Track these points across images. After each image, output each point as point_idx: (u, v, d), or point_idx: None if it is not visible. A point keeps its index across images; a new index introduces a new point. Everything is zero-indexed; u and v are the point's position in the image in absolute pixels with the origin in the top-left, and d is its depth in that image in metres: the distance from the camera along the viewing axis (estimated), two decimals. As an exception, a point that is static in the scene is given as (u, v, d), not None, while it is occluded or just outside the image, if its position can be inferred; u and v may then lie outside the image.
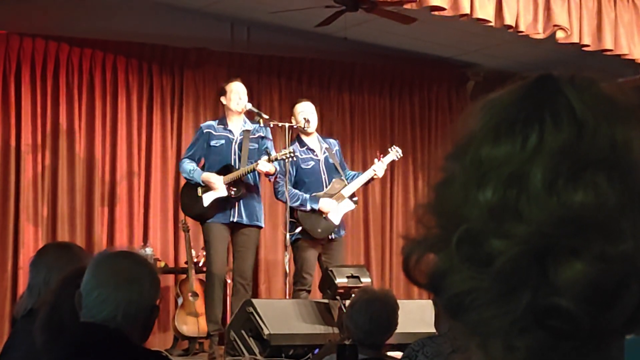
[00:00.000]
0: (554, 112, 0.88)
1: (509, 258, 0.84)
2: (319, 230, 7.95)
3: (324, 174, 8.12)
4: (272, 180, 7.97)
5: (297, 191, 7.96)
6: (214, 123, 8.02)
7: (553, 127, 0.87)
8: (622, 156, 0.86)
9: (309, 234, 7.94)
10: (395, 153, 8.40)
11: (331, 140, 8.46)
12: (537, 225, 0.84)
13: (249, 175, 7.74)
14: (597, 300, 0.83)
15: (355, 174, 8.33)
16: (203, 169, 7.88)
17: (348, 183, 8.16)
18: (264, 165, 7.61)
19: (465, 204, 0.87)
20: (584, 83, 0.91)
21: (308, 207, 7.94)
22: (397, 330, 7.00)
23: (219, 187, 7.68)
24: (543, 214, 0.84)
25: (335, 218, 8.01)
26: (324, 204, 7.96)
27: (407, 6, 7.99)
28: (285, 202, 7.95)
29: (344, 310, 7.16)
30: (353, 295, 4.63)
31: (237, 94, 7.87)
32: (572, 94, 0.89)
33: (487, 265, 0.85)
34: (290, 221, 7.94)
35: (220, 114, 8.35)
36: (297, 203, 7.93)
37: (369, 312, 4.28)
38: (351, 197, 8.16)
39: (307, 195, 7.98)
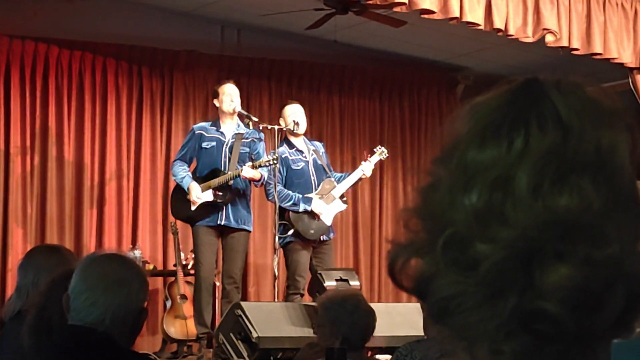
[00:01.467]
0: (539, 116, 0.88)
1: (495, 262, 0.84)
2: (312, 231, 7.95)
3: (313, 175, 8.13)
4: (259, 186, 7.97)
5: (289, 192, 7.96)
6: (206, 124, 8.02)
7: (538, 131, 0.87)
8: (607, 160, 0.87)
9: (302, 235, 7.93)
10: (380, 153, 8.44)
11: (317, 143, 8.48)
12: (523, 229, 0.84)
13: (238, 180, 7.73)
14: (582, 304, 0.83)
15: (342, 175, 8.35)
16: (195, 170, 7.89)
17: (337, 183, 8.18)
18: (247, 172, 7.59)
19: (451, 208, 0.87)
20: (569, 87, 0.91)
21: (301, 208, 7.94)
22: (385, 334, 7.03)
23: (195, 202, 7.67)
24: (528, 218, 0.84)
25: (327, 219, 8.03)
26: (317, 206, 7.97)
27: (397, 9, 7.99)
28: (285, 205, 7.96)
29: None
30: (319, 302, 4.59)
31: (228, 96, 7.87)
32: (558, 98, 0.89)
33: (472, 270, 0.85)
34: (280, 223, 7.92)
35: (214, 117, 8.33)
36: (290, 203, 7.92)
37: (342, 317, 4.28)
38: (340, 197, 8.18)
39: (300, 196, 7.98)
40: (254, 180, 7.75)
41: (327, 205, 8.05)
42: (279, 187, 7.91)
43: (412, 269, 0.90)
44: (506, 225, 0.84)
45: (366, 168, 8.24)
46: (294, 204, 7.93)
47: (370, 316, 4.45)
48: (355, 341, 4.28)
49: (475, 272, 0.85)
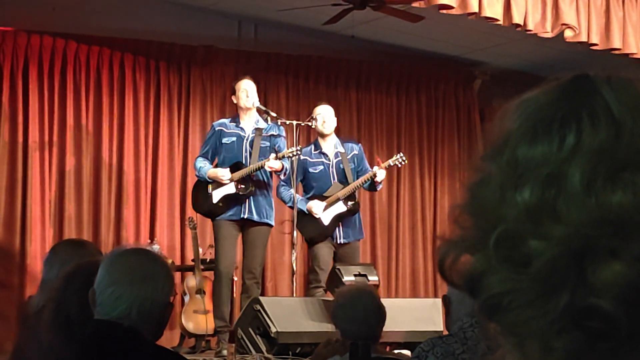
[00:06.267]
0: (591, 112, 0.88)
1: (548, 259, 0.84)
2: (308, 230, 8.02)
3: (334, 179, 8.14)
4: (282, 177, 7.99)
5: (291, 191, 8.00)
6: (226, 121, 8.07)
7: (591, 127, 0.87)
8: None
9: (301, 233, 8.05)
10: (398, 159, 8.37)
11: (351, 145, 8.43)
12: (576, 226, 0.84)
13: (260, 172, 7.76)
14: (635, 301, 0.83)
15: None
16: (217, 166, 7.92)
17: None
18: (272, 163, 7.64)
19: (502, 204, 0.87)
20: (620, 83, 0.90)
21: (298, 208, 8.01)
22: (403, 329, 7.03)
23: (226, 179, 7.71)
24: (581, 215, 0.84)
25: (325, 219, 8.03)
26: (311, 206, 8.00)
27: (415, 4, 7.99)
28: (286, 201, 8.02)
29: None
30: (340, 294, 4.62)
31: (244, 92, 7.90)
32: (609, 94, 0.89)
33: (525, 267, 0.85)
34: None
35: (232, 112, 8.38)
36: (290, 203, 8.03)
37: (352, 311, 4.30)
38: (347, 199, 8.12)
39: (299, 197, 8.04)
40: (277, 171, 7.78)
41: (322, 206, 8.02)
42: (284, 186, 8.00)
43: (462, 265, 0.89)
44: (559, 222, 0.84)
45: (379, 174, 8.20)
46: (291, 205, 8.02)
47: (377, 312, 4.48)
48: (377, 336, 4.29)
49: (528, 269, 0.84)
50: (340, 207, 8.12)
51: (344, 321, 4.30)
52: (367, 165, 8.41)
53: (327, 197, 8.08)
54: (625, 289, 0.83)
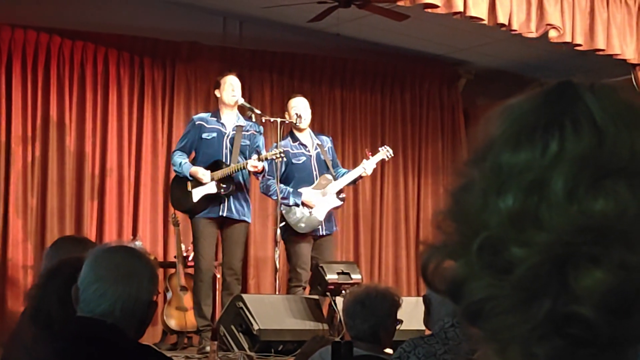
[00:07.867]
0: (574, 119, 0.88)
1: (530, 266, 0.84)
2: (302, 224, 7.96)
3: (315, 170, 8.13)
4: (260, 177, 7.98)
5: (281, 185, 7.98)
6: (206, 115, 8.03)
7: (573, 135, 0.87)
8: None
9: (293, 228, 7.95)
10: (385, 152, 8.41)
11: (323, 137, 8.47)
12: (558, 234, 0.84)
13: (238, 172, 7.76)
14: (616, 308, 0.83)
15: (346, 172, 8.32)
16: (194, 161, 7.89)
17: (338, 179, 8.17)
18: (255, 164, 7.63)
19: (484, 210, 0.87)
20: (603, 90, 0.91)
21: (291, 202, 7.96)
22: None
23: (207, 180, 7.68)
24: (563, 222, 0.84)
25: (320, 213, 8.01)
26: (307, 197, 7.97)
27: (400, 3, 8.00)
28: (274, 198, 7.98)
29: (334, 306, 7.18)
30: (349, 291, 4.63)
31: (230, 86, 7.89)
32: (592, 101, 0.89)
33: (507, 273, 0.85)
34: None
35: (213, 108, 8.35)
36: (280, 196, 7.95)
37: (367, 307, 4.29)
38: (338, 194, 8.15)
39: (291, 189, 7.99)
40: (257, 173, 7.78)
41: (320, 197, 8.03)
42: (271, 180, 7.92)
43: (445, 271, 0.90)
44: (541, 229, 0.84)
45: (367, 166, 8.22)
46: (284, 197, 7.95)
47: (391, 315, 4.50)
48: (371, 335, 4.30)
49: (510, 276, 0.85)
50: (334, 201, 8.13)
51: (351, 319, 4.31)
52: (337, 160, 8.48)
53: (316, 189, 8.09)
54: (606, 296, 0.83)
